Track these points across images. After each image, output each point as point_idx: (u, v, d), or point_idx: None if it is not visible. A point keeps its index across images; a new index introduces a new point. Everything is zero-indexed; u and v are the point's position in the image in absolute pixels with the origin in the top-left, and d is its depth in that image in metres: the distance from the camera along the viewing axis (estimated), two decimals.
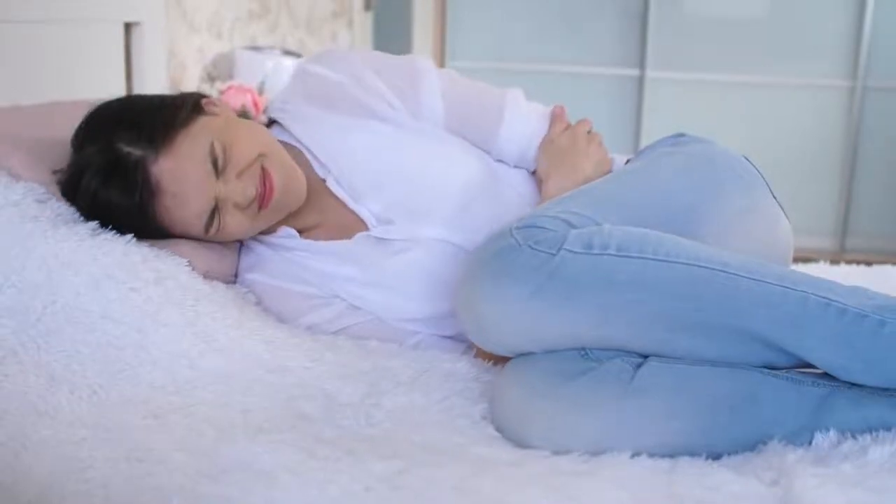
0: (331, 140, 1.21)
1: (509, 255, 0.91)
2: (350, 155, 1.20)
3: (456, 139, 1.24)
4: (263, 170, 1.12)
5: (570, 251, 0.90)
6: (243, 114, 2.18)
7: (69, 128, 1.14)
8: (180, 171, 1.07)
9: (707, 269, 0.90)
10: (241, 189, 1.10)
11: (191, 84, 2.45)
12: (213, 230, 1.12)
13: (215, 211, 1.11)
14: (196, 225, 1.11)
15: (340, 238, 1.21)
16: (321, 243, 1.21)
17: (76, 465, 0.80)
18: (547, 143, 1.25)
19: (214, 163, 1.09)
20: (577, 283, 0.89)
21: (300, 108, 1.23)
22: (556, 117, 1.28)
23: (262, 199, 1.12)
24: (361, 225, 1.21)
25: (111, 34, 1.84)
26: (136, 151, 1.07)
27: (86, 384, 0.94)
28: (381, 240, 1.19)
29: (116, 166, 1.07)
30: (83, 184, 1.09)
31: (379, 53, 1.27)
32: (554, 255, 0.89)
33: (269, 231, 1.22)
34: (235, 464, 0.80)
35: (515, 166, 1.29)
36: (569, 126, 1.27)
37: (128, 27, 1.89)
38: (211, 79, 2.49)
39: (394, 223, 1.19)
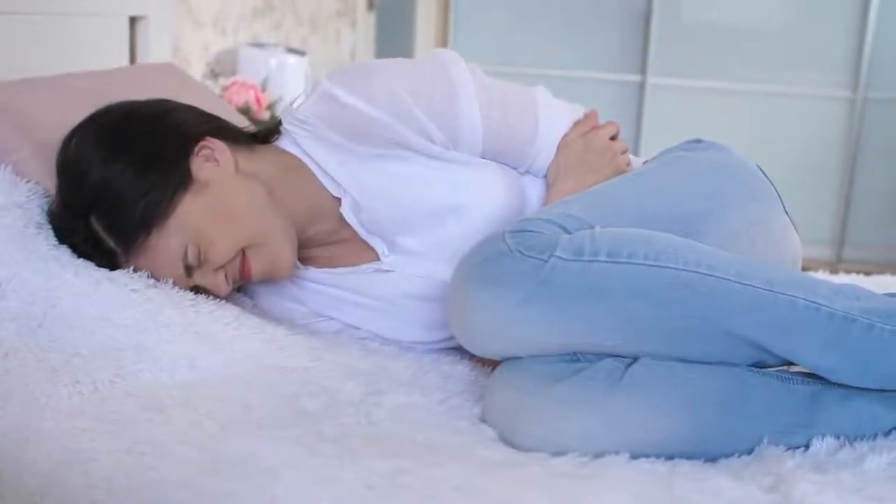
0: (357, 172, 1.13)
1: (499, 260, 0.90)
2: (377, 191, 1.13)
3: (487, 164, 1.17)
4: (244, 257, 1.09)
5: (561, 258, 0.89)
6: (245, 110, 2.18)
7: (81, 109, 1.13)
8: (152, 271, 1.07)
9: (696, 273, 0.90)
10: (215, 285, 1.09)
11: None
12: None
13: (194, 287, 1.10)
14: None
15: (345, 259, 1.19)
16: (321, 272, 1.19)
17: (79, 458, 0.80)
18: (563, 146, 1.20)
19: (187, 268, 1.07)
20: (567, 291, 0.89)
21: (322, 131, 1.13)
22: (585, 117, 1.23)
23: (243, 279, 1.11)
24: (370, 251, 1.17)
25: (116, 28, 1.84)
26: (108, 241, 1.06)
27: (88, 380, 0.94)
28: (386, 271, 1.17)
29: (93, 243, 1.07)
30: (67, 241, 1.08)
31: (410, 68, 1.15)
32: (545, 261, 0.89)
33: None
34: (237, 459, 0.80)
35: (544, 176, 1.22)
36: (593, 129, 1.22)
37: (133, 21, 1.89)
38: (214, 75, 2.49)
39: (413, 255, 1.15)
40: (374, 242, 1.17)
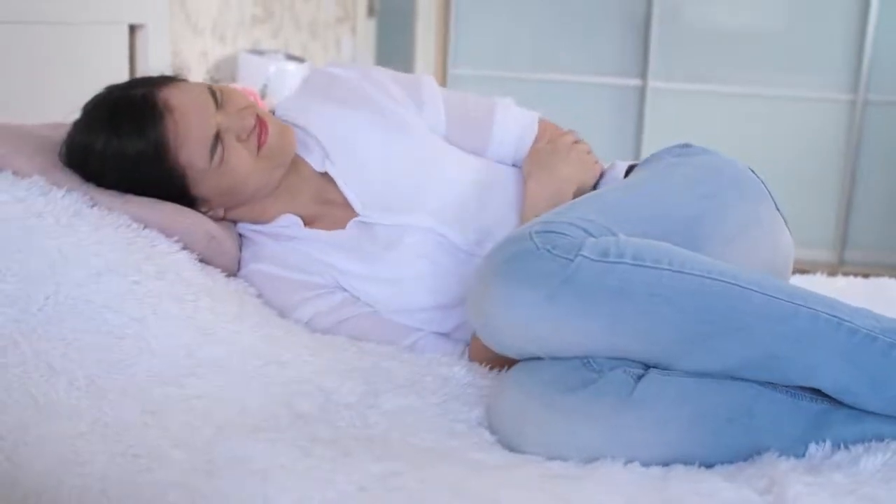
0: (329, 124, 1.27)
1: (526, 258, 0.91)
2: (343, 137, 1.26)
3: (451, 147, 1.31)
4: (258, 116, 1.19)
5: (587, 258, 0.90)
6: None
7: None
8: (184, 94, 1.16)
9: (720, 281, 0.90)
10: (240, 119, 1.17)
11: None
12: (216, 159, 1.16)
13: (218, 139, 1.16)
14: (201, 151, 1.15)
15: (336, 226, 1.24)
16: (320, 232, 1.23)
17: (74, 460, 0.80)
18: (531, 152, 1.31)
19: (213, 95, 1.17)
20: (592, 290, 0.89)
21: (303, 102, 1.31)
22: (541, 129, 1.35)
23: (260, 135, 1.18)
24: (354, 214, 1.24)
25: (115, 36, 1.85)
26: (140, 90, 1.17)
27: (84, 374, 0.94)
28: (370, 226, 1.22)
29: (122, 106, 1.15)
30: (95, 143, 1.15)
31: (389, 71, 1.37)
32: (571, 260, 0.90)
33: (271, 220, 1.25)
34: (232, 461, 0.81)
35: (514, 164, 1.34)
36: (558, 135, 1.34)
37: (132, 29, 1.90)
38: (214, 82, 2.50)
39: (376, 206, 1.23)
40: (350, 197, 1.24)
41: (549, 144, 1.30)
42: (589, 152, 1.31)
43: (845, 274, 1.82)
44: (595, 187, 1.29)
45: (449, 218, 1.21)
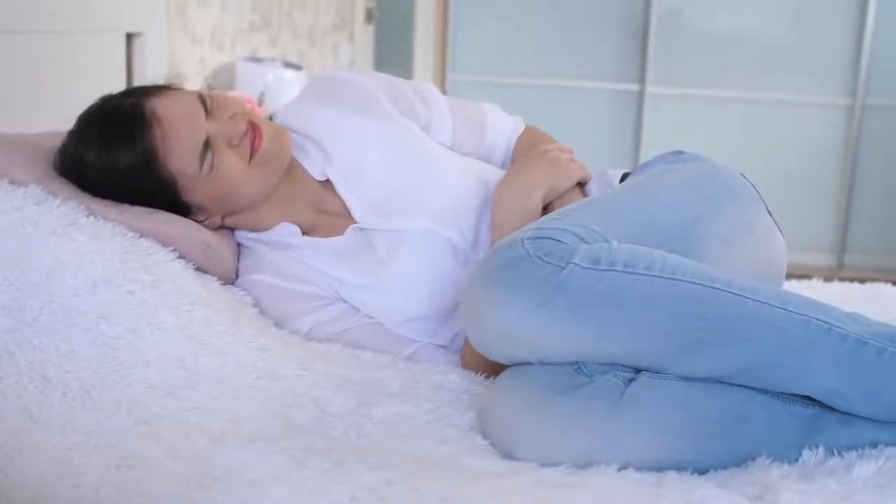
0: (331, 127, 1.27)
1: (518, 265, 0.91)
2: (344, 140, 1.26)
3: (451, 152, 1.32)
4: (250, 121, 1.19)
5: (578, 265, 0.90)
6: None
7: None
8: (173, 103, 1.16)
9: (711, 288, 0.91)
10: (230, 125, 1.17)
11: None
12: (206, 166, 1.16)
13: (208, 146, 1.15)
14: (191, 158, 1.15)
15: (334, 234, 1.24)
16: (317, 241, 1.24)
17: (68, 471, 0.81)
18: (512, 159, 1.35)
19: (203, 103, 1.17)
20: (583, 297, 0.90)
21: (304, 106, 1.32)
22: (526, 129, 1.39)
23: (253, 141, 1.17)
24: (352, 222, 1.24)
25: (112, 44, 1.86)
26: (130, 100, 1.17)
27: (79, 385, 0.95)
28: (369, 233, 1.22)
29: (112, 117, 1.15)
30: (87, 155, 1.15)
31: (392, 77, 1.38)
32: (562, 268, 0.90)
33: (269, 228, 1.25)
34: (226, 472, 0.81)
35: (503, 166, 1.37)
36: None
37: (129, 38, 1.91)
38: (211, 90, 2.50)
39: (376, 212, 1.23)
40: (350, 201, 1.24)
41: (530, 147, 1.33)
42: (571, 159, 1.31)
43: (841, 279, 1.83)
44: (585, 195, 1.30)
45: (449, 221, 1.22)
